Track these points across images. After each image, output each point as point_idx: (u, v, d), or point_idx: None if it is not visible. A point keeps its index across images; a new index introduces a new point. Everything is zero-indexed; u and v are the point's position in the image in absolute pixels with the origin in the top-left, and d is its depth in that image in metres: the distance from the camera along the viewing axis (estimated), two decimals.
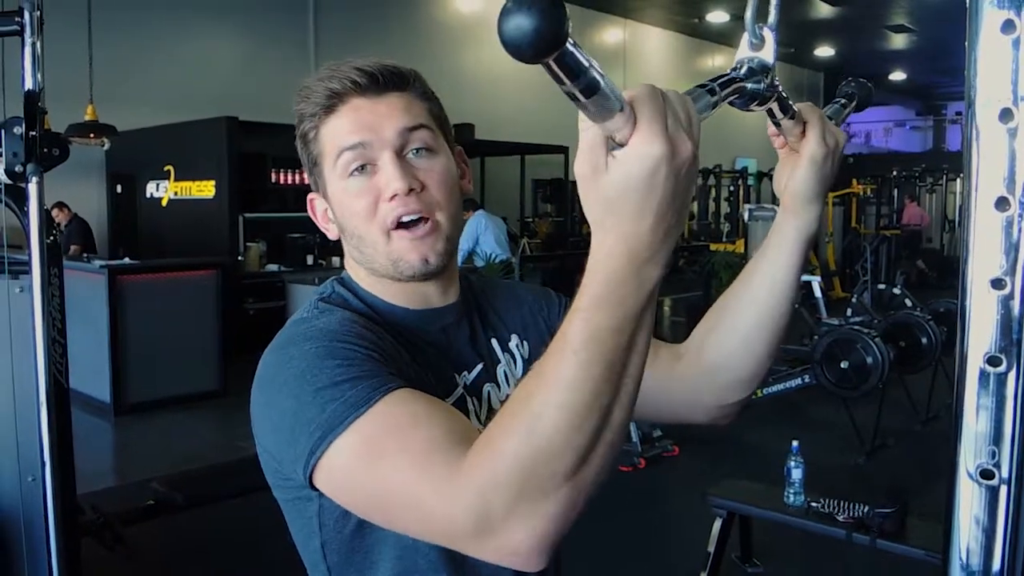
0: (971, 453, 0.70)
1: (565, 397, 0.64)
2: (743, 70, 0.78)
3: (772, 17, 0.78)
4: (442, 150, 0.96)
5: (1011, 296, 0.67)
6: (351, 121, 0.91)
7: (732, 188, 15.79)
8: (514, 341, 1.07)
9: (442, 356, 0.98)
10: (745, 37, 0.78)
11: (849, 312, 7.55)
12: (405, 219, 0.91)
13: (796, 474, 3.24)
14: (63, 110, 6.40)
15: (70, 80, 7.10)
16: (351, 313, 0.92)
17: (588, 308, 0.64)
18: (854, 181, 14.74)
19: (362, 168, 0.92)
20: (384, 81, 0.92)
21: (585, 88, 0.54)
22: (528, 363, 1.06)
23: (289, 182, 8.99)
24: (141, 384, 6.31)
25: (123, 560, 3.41)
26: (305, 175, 1.00)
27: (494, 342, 1.05)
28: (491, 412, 0.97)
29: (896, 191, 15.32)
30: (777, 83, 0.81)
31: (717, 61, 17.44)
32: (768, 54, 0.78)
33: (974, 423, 0.70)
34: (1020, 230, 0.66)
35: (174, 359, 6.46)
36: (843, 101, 1.03)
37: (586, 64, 0.53)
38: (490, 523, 0.66)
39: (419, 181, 0.92)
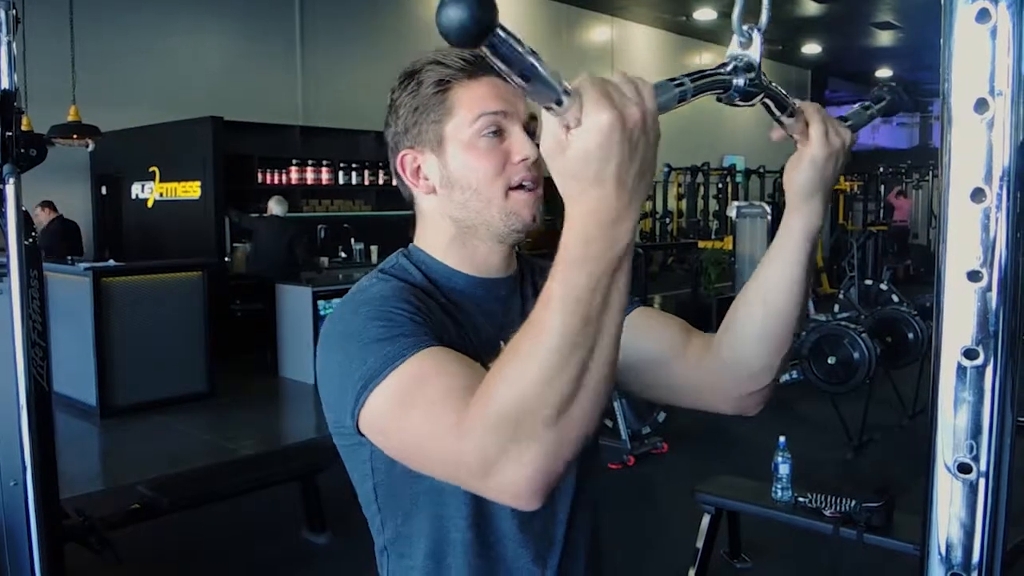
0: (949, 447, 0.70)
1: (547, 344, 0.71)
2: (728, 67, 0.82)
3: (763, 18, 0.83)
4: None
5: (988, 288, 0.66)
6: (493, 90, 1.01)
7: (720, 186, 15.80)
8: None
9: (493, 323, 1.06)
10: (735, 36, 0.82)
11: (836, 308, 7.58)
12: (526, 183, 1.02)
13: (783, 469, 3.24)
14: (46, 112, 6.36)
15: (53, 82, 7.04)
16: (403, 284, 1.01)
17: (564, 268, 0.71)
18: (841, 178, 14.78)
19: (494, 132, 1.01)
20: None
21: (521, 74, 0.62)
22: None
23: (275, 182, 8.95)
24: (127, 387, 6.26)
25: (109, 565, 3.39)
26: (399, 134, 1.05)
27: None
28: None
29: (883, 187, 15.38)
30: (768, 81, 0.85)
31: (704, 59, 17.46)
32: (754, 52, 0.82)
33: (951, 417, 0.69)
34: (997, 222, 0.66)
35: (161, 361, 6.42)
36: (867, 103, 1.04)
37: (520, 52, 0.60)
38: (488, 464, 0.75)
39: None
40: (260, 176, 8.84)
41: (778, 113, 0.91)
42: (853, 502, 3.08)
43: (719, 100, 0.82)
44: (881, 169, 15.49)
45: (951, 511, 0.72)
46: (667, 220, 15.47)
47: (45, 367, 2.57)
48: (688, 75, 0.76)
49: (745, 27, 0.82)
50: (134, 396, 6.28)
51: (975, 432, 0.69)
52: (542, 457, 0.73)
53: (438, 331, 0.94)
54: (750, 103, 0.84)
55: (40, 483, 2.48)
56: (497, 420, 0.74)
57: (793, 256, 1.00)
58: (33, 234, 2.61)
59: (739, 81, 0.81)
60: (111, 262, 6.79)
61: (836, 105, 26.48)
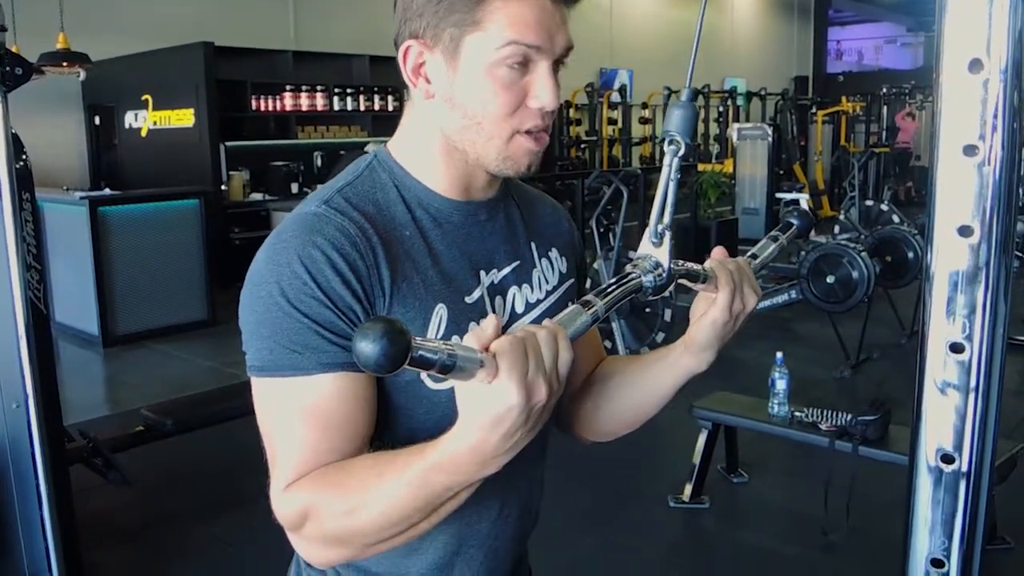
0: (943, 328, 0.69)
1: (387, 507, 0.80)
2: (636, 271, 0.86)
3: (667, 217, 0.86)
4: None
5: (984, 163, 0.64)
6: (536, 18, 0.88)
7: (721, 109, 15.59)
8: (554, 253, 1.10)
9: (470, 251, 0.98)
10: (646, 235, 0.87)
11: (837, 229, 7.55)
12: (534, 130, 0.93)
13: (780, 385, 3.27)
14: (34, 43, 6.23)
15: (40, 12, 6.89)
16: (344, 228, 0.89)
17: (429, 469, 0.77)
18: (843, 99, 14.58)
19: (520, 64, 0.89)
20: None
21: (441, 370, 0.65)
22: (564, 278, 1.09)
23: (269, 109, 8.83)
24: (129, 316, 6.30)
25: (117, 487, 3.44)
26: (411, 19, 0.91)
27: (533, 245, 1.07)
28: (513, 314, 1.01)
29: (885, 108, 15.16)
30: (676, 268, 0.89)
31: None
32: (663, 253, 0.86)
33: (944, 299, 0.68)
34: (998, 94, 0.63)
35: (161, 290, 6.44)
36: (775, 234, 1.08)
37: (434, 356, 0.63)
38: (296, 533, 0.87)
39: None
40: (254, 103, 8.71)
41: (695, 286, 0.96)
42: (849, 416, 3.11)
43: (635, 301, 0.87)
44: (884, 90, 15.25)
45: (944, 399, 0.71)
46: None
47: (42, 290, 2.56)
48: (597, 291, 0.80)
49: (660, 227, 0.86)
50: (135, 325, 6.32)
51: (969, 312, 0.68)
52: (349, 556, 0.89)
53: (350, 314, 0.87)
54: (662, 295, 0.89)
55: (42, 405, 2.50)
56: (315, 522, 0.84)
57: (673, 385, 1.04)
58: (24, 156, 2.58)
59: (647, 279, 0.86)
60: (107, 191, 6.74)
61: (840, 26, 25.93)
